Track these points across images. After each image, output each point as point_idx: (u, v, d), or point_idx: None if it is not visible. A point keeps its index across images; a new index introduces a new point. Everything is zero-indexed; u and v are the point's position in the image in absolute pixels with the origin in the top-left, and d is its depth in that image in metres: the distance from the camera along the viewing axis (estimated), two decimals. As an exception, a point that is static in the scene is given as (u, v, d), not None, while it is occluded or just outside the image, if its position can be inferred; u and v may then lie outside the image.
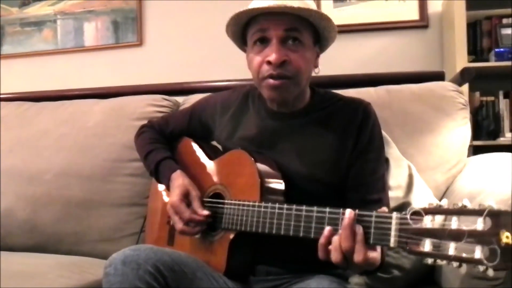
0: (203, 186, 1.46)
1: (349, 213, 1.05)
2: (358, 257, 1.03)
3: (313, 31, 1.34)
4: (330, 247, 1.06)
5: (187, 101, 2.13)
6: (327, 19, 1.30)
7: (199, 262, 1.28)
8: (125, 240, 1.99)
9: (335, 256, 1.06)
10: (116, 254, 1.17)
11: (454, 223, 0.88)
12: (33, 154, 2.17)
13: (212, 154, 1.54)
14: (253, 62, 1.33)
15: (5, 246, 2.05)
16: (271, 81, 1.30)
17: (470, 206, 0.88)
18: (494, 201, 0.84)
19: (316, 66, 1.40)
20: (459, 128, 1.84)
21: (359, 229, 1.03)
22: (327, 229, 1.08)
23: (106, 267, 1.16)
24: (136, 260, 1.13)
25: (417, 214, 0.95)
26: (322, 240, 1.08)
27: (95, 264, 1.79)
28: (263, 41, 1.31)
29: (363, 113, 1.37)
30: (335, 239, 1.06)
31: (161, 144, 1.62)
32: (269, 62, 1.28)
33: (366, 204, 1.26)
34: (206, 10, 2.79)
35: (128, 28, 2.91)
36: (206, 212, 1.35)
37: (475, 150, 2.21)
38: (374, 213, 1.03)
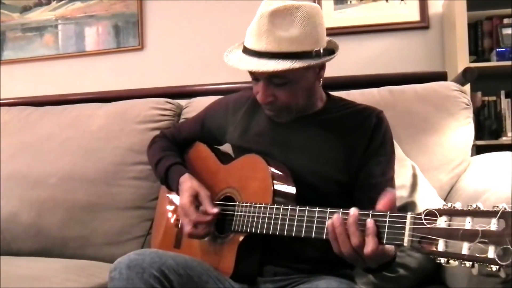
0: (214, 189, 1.46)
1: (353, 212, 1.07)
2: (367, 248, 1.04)
3: None
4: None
5: (190, 104, 2.14)
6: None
7: (204, 265, 1.28)
8: (130, 243, 2.00)
9: (345, 249, 1.07)
10: (121, 258, 1.17)
11: (468, 224, 0.90)
12: (37, 159, 2.17)
13: (224, 158, 1.55)
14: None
15: (10, 250, 2.05)
16: (265, 109, 1.38)
17: (483, 208, 0.89)
18: (500, 200, 0.86)
19: (319, 79, 1.38)
20: (462, 128, 1.85)
21: (370, 223, 1.04)
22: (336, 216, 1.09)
23: (111, 271, 1.16)
24: (141, 264, 1.14)
25: (432, 214, 0.96)
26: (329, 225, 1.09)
27: (101, 267, 1.79)
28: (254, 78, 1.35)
29: (376, 118, 1.39)
30: (341, 232, 1.07)
31: (171, 151, 1.63)
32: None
33: (375, 204, 1.27)
34: (207, 13, 2.80)
35: (129, 32, 2.91)
36: (215, 210, 1.35)
37: (477, 150, 2.21)
38: (388, 213, 1.04)
